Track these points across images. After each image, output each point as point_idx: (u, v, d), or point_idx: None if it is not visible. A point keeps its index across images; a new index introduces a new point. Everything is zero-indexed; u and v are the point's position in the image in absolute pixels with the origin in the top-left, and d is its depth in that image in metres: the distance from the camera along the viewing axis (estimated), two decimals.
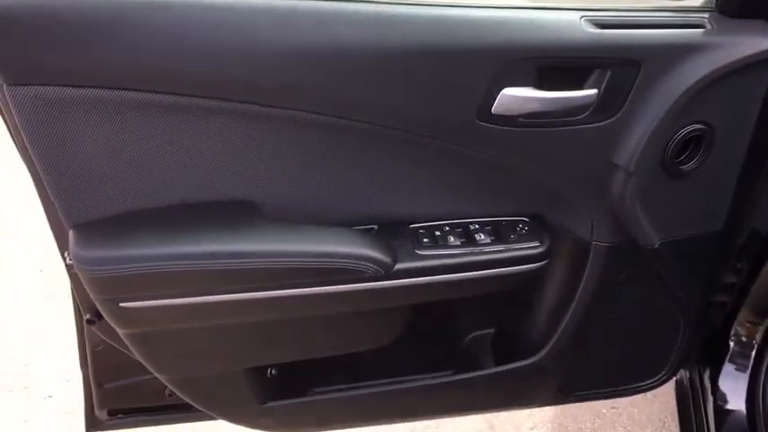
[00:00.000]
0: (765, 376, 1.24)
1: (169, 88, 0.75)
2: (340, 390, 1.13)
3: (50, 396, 1.83)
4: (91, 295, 0.85)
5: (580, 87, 0.86)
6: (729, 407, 1.28)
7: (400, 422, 1.26)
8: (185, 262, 0.83)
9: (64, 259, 0.93)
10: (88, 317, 0.98)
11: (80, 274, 0.83)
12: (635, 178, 0.91)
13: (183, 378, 1.04)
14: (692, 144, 0.93)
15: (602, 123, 0.88)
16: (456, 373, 1.17)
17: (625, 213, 0.95)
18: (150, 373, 1.00)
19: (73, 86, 0.73)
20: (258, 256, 0.85)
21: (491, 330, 1.21)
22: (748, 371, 1.26)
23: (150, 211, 0.84)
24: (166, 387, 1.05)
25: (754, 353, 1.25)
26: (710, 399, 1.29)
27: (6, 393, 1.84)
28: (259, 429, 1.14)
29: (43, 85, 0.72)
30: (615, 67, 0.84)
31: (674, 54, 0.86)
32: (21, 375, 1.90)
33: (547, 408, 1.69)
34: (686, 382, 1.34)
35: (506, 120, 0.84)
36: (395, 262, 0.91)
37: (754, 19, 0.89)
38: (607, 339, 1.16)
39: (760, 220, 1.10)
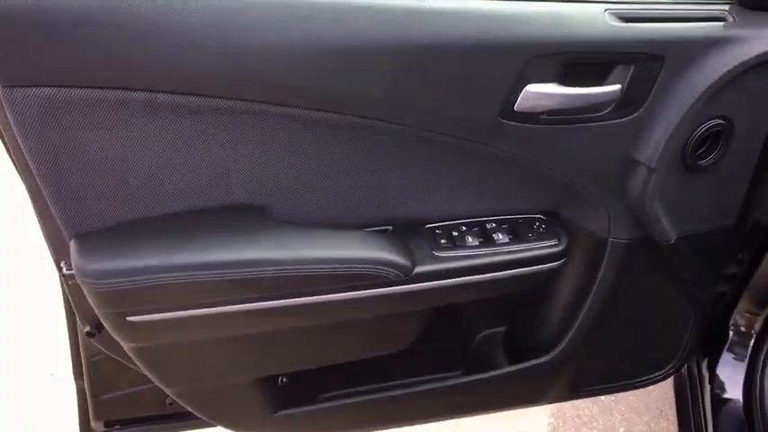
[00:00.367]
0: (763, 366, 1.25)
1: (178, 88, 0.71)
2: (352, 394, 1.11)
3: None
4: (95, 309, 0.81)
5: (602, 83, 0.84)
6: (726, 396, 1.29)
7: (415, 424, 1.24)
8: (197, 272, 0.79)
9: (60, 269, 0.87)
10: (88, 329, 0.93)
11: (84, 288, 0.78)
12: (656, 175, 0.90)
13: (193, 390, 1.00)
14: (710, 139, 0.92)
15: (624, 119, 0.86)
16: (469, 373, 1.15)
17: (644, 210, 0.94)
18: (149, 381, 0.96)
19: (74, 87, 0.68)
20: (274, 264, 0.82)
21: (502, 329, 1.19)
22: (746, 360, 1.27)
23: (158, 218, 0.80)
24: (167, 396, 1.02)
25: (752, 342, 1.26)
26: (708, 388, 1.30)
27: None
28: None
29: (42, 86, 0.67)
30: (639, 61, 0.83)
31: (698, 48, 0.85)
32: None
33: None
34: (684, 371, 1.35)
35: (529, 117, 0.82)
36: (414, 265, 0.89)
37: None
38: (619, 334, 1.15)
39: (762, 213, 1.11)
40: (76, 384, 1.11)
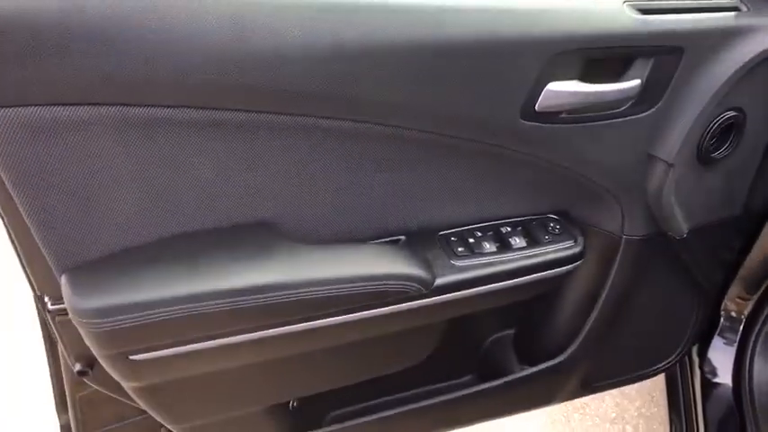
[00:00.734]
0: (752, 350, 1.26)
1: (180, 101, 0.65)
2: (365, 411, 1.07)
3: None
4: (94, 350, 0.74)
5: (621, 78, 0.82)
6: (716, 380, 1.30)
7: None
8: (206, 303, 0.72)
9: (43, 304, 0.79)
10: (78, 368, 0.85)
11: (80, 328, 0.71)
12: (674, 170, 0.89)
13: (202, 425, 0.94)
14: (724, 131, 0.91)
15: (642, 115, 0.85)
16: (482, 379, 1.13)
17: (660, 206, 0.93)
18: (140, 413, 0.91)
19: (63, 105, 0.61)
20: (290, 287, 0.76)
21: (511, 331, 1.16)
22: (735, 345, 1.28)
23: (158, 243, 0.73)
24: (162, 426, 0.95)
25: (741, 327, 1.28)
26: (698, 373, 1.31)
27: None
28: None
29: (27, 105, 0.60)
30: (659, 54, 0.81)
31: (717, 39, 0.84)
32: None
33: None
34: None
35: (550, 117, 0.80)
36: (434, 277, 0.85)
37: None
38: (629, 329, 1.15)
39: (753, 200, 1.11)
40: (60, 420, 1.04)
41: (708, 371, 1.31)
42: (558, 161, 0.87)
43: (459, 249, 0.90)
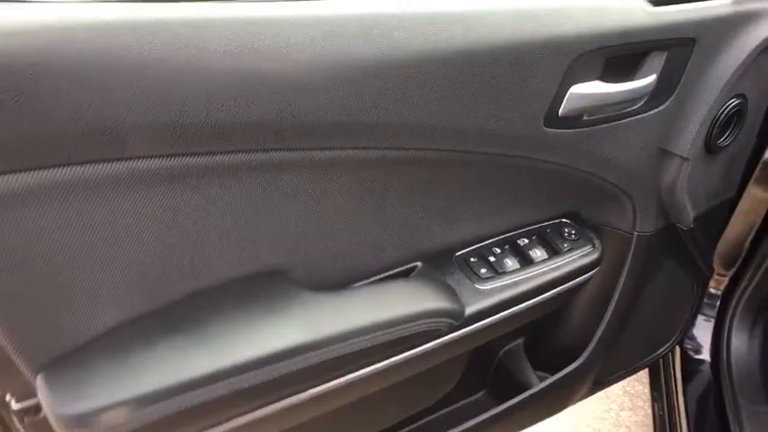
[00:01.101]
0: (729, 326, 1.27)
1: (163, 149, 0.53)
2: None
3: None
4: None
5: (636, 74, 0.79)
6: (696, 356, 1.31)
7: None
8: (216, 384, 0.59)
9: (4, 404, 0.63)
10: None
11: None
12: (688, 163, 0.87)
13: None
14: (730, 119, 0.90)
15: (656, 110, 0.82)
16: (498, 395, 1.07)
17: (674, 199, 0.92)
18: None
19: (21, 171, 0.48)
20: (320, 345, 0.65)
21: (521, 340, 1.10)
22: (713, 321, 1.30)
23: (150, 317, 0.61)
24: None
25: (718, 303, 1.29)
26: (677, 350, 1.32)
27: None
28: None
29: None
30: (672, 47, 0.79)
31: (726, 27, 0.82)
32: None
33: None
34: None
35: (572, 121, 0.75)
36: (463, 307, 0.79)
37: None
38: (638, 322, 1.14)
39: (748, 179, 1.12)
40: None
41: (688, 347, 1.33)
42: (576, 165, 0.83)
43: (482, 271, 0.84)
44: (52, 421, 0.56)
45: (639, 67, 0.79)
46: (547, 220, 0.94)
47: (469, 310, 0.79)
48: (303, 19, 0.55)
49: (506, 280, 0.84)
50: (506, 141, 0.73)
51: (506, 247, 0.88)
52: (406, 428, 1.01)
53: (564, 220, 0.95)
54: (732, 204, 1.10)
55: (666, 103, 0.83)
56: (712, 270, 1.24)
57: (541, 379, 1.07)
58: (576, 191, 0.92)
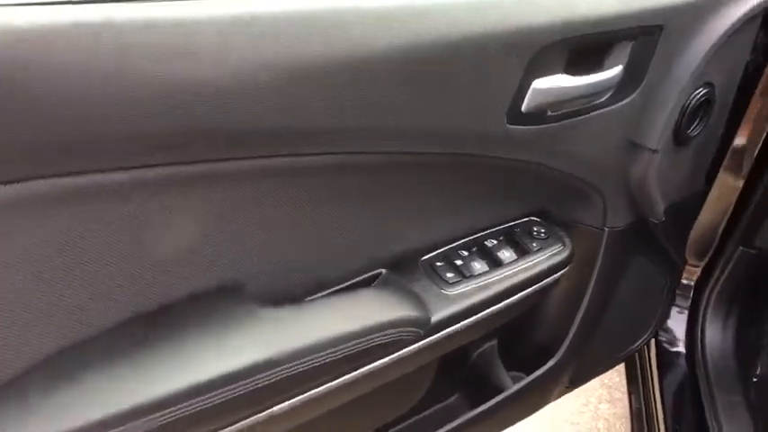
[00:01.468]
0: (703, 317, 1.27)
1: (91, 166, 0.49)
2: None
3: None
4: None
5: (602, 65, 0.76)
6: (671, 348, 1.31)
7: None
8: (169, 410, 0.56)
9: None
10: None
11: None
12: (658, 155, 0.85)
13: None
14: (699, 108, 0.89)
15: (623, 102, 0.80)
16: (472, 399, 1.04)
17: (644, 193, 0.90)
18: None
19: None
20: (271, 366, 0.61)
21: (494, 342, 1.08)
22: (686, 311, 1.29)
23: (96, 340, 0.56)
24: None
25: (691, 294, 1.28)
26: (653, 342, 1.32)
27: None
28: None
29: None
30: (639, 35, 0.76)
31: (693, 12, 0.80)
32: None
33: None
34: None
35: (536, 117, 0.72)
36: (429, 315, 0.76)
37: None
38: (610, 318, 1.12)
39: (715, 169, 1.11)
40: None
41: (663, 339, 1.32)
42: (543, 162, 0.81)
43: (449, 275, 0.81)
44: None
45: (605, 59, 0.76)
46: (516, 220, 0.91)
47: (436, 318, 0.76)
48: (243, 18, 0.50)
49: (474, 283, 0.81)
50: (469, 141, 0.71)
51: (474, 249, 0.85)
52: None
53: (533, 218, 0.93)
54: (703, 195, 1.09)
55: (634, 95, 0.80)
56: (685, 261, 1.23)
57: (516, 379, 1.05)
58: (545, 188, 0.90)
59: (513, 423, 1.13)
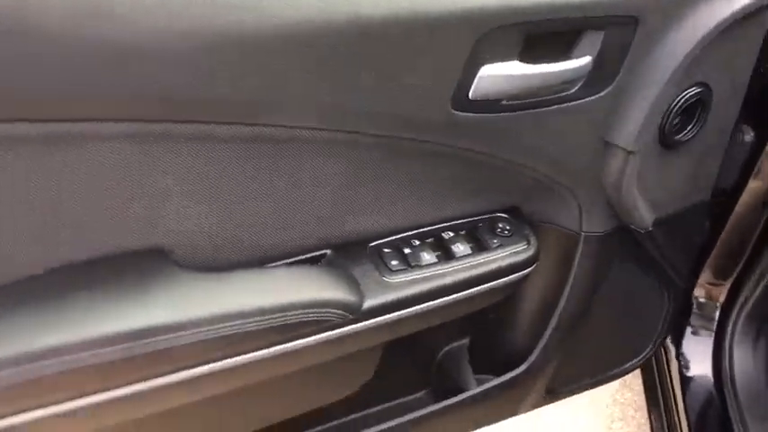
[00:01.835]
0: (731, 338, 1.20)
1: (23, 114, 0.52)
2: None
3: None
4: None
5: (568, 56, 0.71)
6: (694, 369, 1.25)
7: None
8: (72, 356, 0.58)
9: None
10: None
11: None
12: (635, 157, 0.79)
13: None
14: (689, 110, 0.81)
15: (595, 97, 0.74)
16: (437, 395, 1.03)
17: (621, 198, 0.84)
18: None
19: None
20: (180, 328, 0.62)
21: (465, 341, 1.06)
22: (713, 332, 1.23)
23: (14, 285, 0.59)
24: None
25: (717, 314, 1.22)
26: (675, 363, 1.25)
27: None
28: None
29: None
30: (611, 25, 0.70)
31: (675, 6, 0.73)
32: None
33: None
34: None
35: (487, 105, 0.68)
36: (362, 299, 0.74)
37: None
38: (595, 329, 1.07)
39: (725, 180, 1.03)
40: None
41: (684, 359, 1.26)
42: (501, 154, 0.77)
43: (394, 263, 0.78)
44: None
45: (571, 48, 0.71)
46: (481, 214, 0.87)
47: (370, 303, 0.75)
48: None
49: (418, 274, 0.78)
50: (411, 125, 0.68)
51: (428, 240, 0.82)
52: (337, 421, 0.98)
53: (500, 215, 0.88)
54: (709, 208, 1.01)
55: (608, 89, 0.74)
56: (696, 279, 1.16)
57: (484, 382, 1.03)
58: (513, 184, 0.86)
59: (480, 426, 1.11)
